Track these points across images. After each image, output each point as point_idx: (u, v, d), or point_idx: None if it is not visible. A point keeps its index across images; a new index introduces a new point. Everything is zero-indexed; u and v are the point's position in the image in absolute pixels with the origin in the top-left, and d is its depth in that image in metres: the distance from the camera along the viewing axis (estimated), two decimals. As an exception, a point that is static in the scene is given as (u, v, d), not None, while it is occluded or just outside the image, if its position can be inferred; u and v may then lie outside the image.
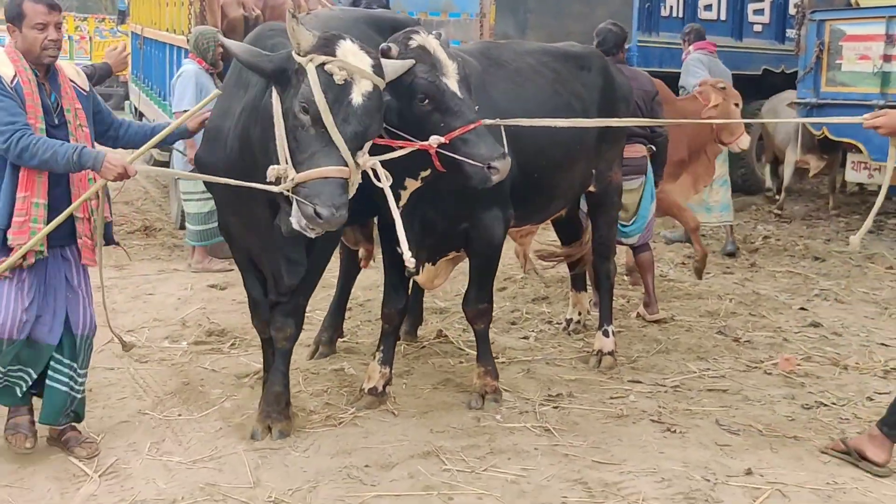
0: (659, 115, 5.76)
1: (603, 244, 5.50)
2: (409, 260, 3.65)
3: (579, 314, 5.97)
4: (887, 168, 3.80)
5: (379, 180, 3.61)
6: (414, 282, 5.40)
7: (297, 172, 3.43)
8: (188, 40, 7.57)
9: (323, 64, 3.40)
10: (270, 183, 3.51)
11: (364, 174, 3.60)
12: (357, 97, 3.43)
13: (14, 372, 3.89)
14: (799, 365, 5.35)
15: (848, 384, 5.06)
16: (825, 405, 4.74)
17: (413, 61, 3.76)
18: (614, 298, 5.70)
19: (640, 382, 5.02)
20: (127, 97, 14.79)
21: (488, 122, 3.94)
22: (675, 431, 4.34)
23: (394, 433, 4.22)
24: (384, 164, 3.70)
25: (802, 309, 6.62)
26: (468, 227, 4.44)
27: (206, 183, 4.59)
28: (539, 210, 5.07)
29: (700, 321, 6.23)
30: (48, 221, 3.73)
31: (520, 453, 4.04)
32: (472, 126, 3.69)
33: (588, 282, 6.09)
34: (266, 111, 3.62)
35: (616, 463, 3.97)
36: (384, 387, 4.64)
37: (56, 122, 3.84)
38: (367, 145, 3.59)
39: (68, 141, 3.78)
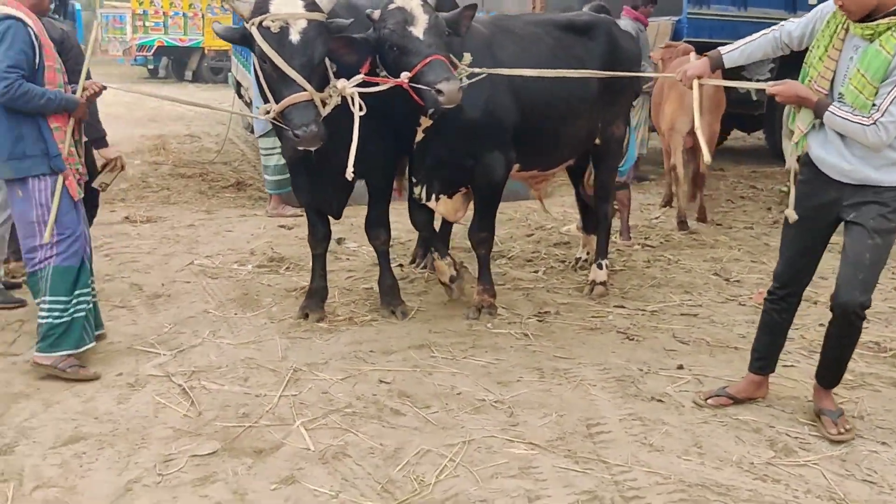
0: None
1: (603, 188, 6.35)
2: (350, 174, 4.56)
3: (587, 254, 6.82)
4: (792, 136, 4.06)
5: (360, 109, 4.58)
6: (442, 222, 6.41)
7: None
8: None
9: (261, 23, 4.44)
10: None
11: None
12: (294, 36, 4.45)
13: (80, 297, 4.54)
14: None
15: (810, 314, 5.79)
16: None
17: None
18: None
19: (624, 307, 5.88)
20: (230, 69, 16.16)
21: (478, 70, 4.86)
22: (633, 339, 5.22)
23: (399, 332, 5.24)
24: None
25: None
26: (473, 164, 5.35)
27: (278, 134, 5.71)
28: (544, 157, 5.90)
29: (702, 265, 7.01)
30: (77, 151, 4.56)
31: (496, 349, 5.00)
32: (427, 60, 4.55)
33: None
34: (257, 71, 4.75)
35: (572, 358, 4.89)
36: (458, 270, 5.71)
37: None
38: (355, 79, 4.62)
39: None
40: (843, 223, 4.00)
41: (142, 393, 4.35)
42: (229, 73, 16.18)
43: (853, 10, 3.70)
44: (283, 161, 8.51)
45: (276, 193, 8.63)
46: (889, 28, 3.67)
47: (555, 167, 6.22)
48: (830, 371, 4.20)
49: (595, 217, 6.49)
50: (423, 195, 5.44)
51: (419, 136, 5.21)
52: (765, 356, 4.38)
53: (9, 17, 4.27)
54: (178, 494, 3.43)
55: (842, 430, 4.03)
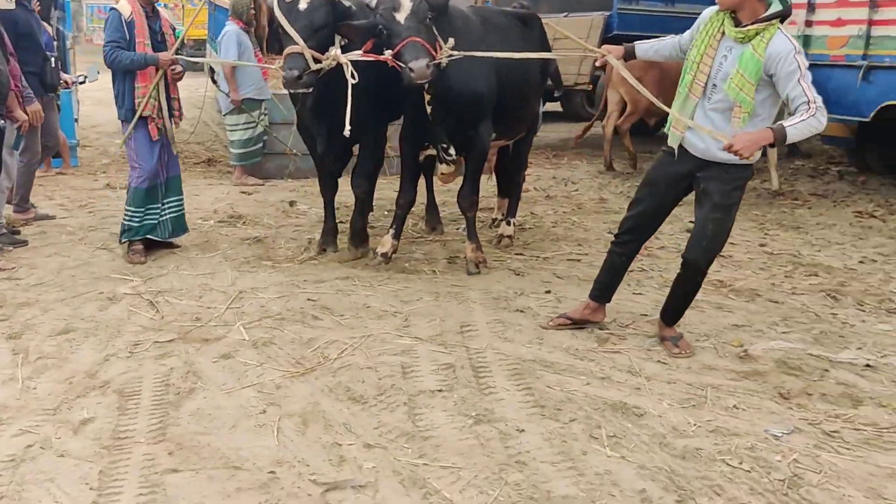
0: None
1: (522, 160, 7.61)
2: (347, 131, 5.58)
3: (501, 215, 8.03)
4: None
5: (352, 77, 5.62)
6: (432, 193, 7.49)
7: None
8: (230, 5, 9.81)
9: None
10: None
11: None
12: (302, 5, 5.64)
13: (168, 204, 6.66)
14: (649, 249, 7.33)
15: (676, 262, 7.00)
16: (644, 270, 6.72)
17: None
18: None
19: (522, 254, 7.09)
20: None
21: (457, 53, 5.74)
22: (519, 275, 6.44)
23: (331, 268, 6.47)
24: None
25: (691, 222, 8.53)
26: (472, 135, 6.32)
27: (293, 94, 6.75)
28: (510, 129, 7.00)
29: (600, 225, 8.23)
30: (163, 103, 6.42)
31: (408, 280, 6.22)
32: (405, 41, 5.45)
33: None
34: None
35: (466, 286, 6.10)
36: (392, 254, 6.55)
37: (159, 39, 6.40)
38: (352, 53, 5.68)
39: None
40: (694, 193, 4.79)
41: (118, 305, 5.57)
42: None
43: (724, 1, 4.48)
44: (246, 136, 9.76)
45: (239, 165, 9.81)
46: (758, 33, 4.38)
47: (515, 137, 7.31)
48: (672, 312, 5.09)
49: (510, 183, 7.71)
50: (442, 155, 6.40)
51: (428, 109, 6.10)
52: (603, 289, 5.27)
53: (113, 8, 6.34)
54: (143, 363, 4.65)
55: (683, 351, 4.95)
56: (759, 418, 4.21)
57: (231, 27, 9.54)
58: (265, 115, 9.78)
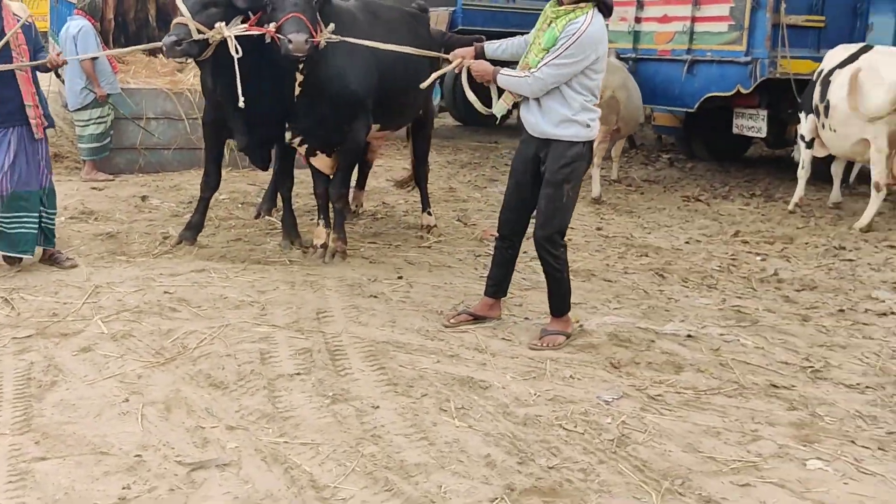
0: None
1: (424, 153, 7.94)
2: (241, 102, 5.84)
3: (356, 206, 8.32)
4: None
5: (236, 52, 5.80)
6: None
7: None
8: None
9: None
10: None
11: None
12: None
13: (15, 219, 6.05)
14: (493, 234, 7.74)
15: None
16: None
17: None
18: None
19: (375, 243, 7.37)
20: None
21: (336, 37, 5.96)
22: (373, 262, 6.74)
23: (185, 261, 6.57)
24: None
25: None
26: (346, 129, 6.55)
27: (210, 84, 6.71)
28: (395, 120, 7.33)
29: (450, 213, 8.63)
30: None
31: (263, 271, 6.40)
32: (288, 16, 5.65)
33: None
34: None
35: (321, 274, 6.34)
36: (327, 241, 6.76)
37: None
38: (237, 28, 5.86)
39: (11, 56, 5.88)
40: None
41: (-31, 303, 5.54)
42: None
43: None
44: (98, 131, 9.64)
45: (90, 160, 9.69)
46: (568, 13, 4.82)
47: (400, 128, 7.74)
48: (549, 298, 5.32)
49: (415, 175, 8.08)
50: (296, 142, 6.63)
51: (297, 91, 6.29)
52: (497, 284, 5.47)
53: None
54: (1, 359, 4.70)
55: (540, 345, 5.13)
56: (593, 386, 4.65)
57: (84, 22, 9.40)
58: (112, 108, 9.71)
